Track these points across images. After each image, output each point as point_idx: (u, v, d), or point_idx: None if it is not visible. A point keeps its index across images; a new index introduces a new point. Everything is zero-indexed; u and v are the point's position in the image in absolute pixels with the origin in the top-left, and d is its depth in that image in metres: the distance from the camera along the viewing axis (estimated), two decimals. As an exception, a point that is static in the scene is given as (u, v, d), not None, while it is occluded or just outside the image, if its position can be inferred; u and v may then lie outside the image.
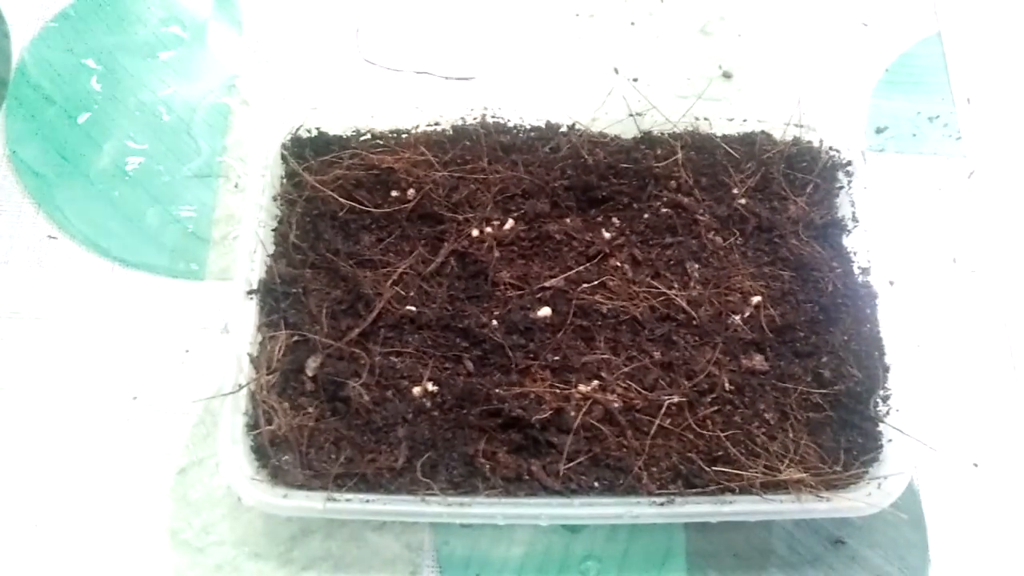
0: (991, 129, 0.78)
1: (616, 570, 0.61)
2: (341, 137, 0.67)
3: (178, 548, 0.61)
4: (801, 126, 0.68)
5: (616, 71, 0.77)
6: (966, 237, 0.73)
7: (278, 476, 0.55)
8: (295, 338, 0.59)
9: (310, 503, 0.54)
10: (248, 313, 0.59)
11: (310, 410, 0.57)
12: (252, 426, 0.56)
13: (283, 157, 0.65)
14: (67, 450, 0.63)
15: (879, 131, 0.77)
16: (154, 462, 0.63)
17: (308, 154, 0.65)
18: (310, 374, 0.58)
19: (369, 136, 0.67)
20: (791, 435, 0.58)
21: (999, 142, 0.77)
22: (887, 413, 0.58)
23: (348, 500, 0.54)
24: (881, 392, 0.59)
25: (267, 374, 0.57)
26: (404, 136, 0.67)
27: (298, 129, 0.66)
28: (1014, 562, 0.62)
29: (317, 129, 0.67)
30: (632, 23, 0.80)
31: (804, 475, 0.56)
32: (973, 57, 0.81)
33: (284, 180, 0.65)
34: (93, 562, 0.60)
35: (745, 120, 0.68)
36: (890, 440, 0.58)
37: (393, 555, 0.61)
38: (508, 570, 0.61)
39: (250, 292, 0.60)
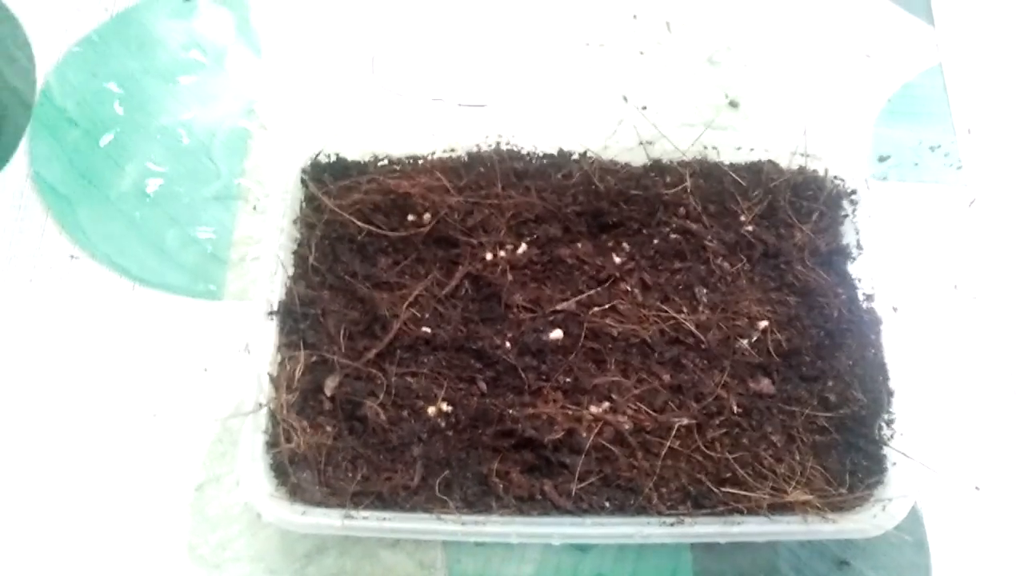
0: (992, 158, 0.79)
1: (625, 588, 0.62)
2: (359, 162, 0.69)
3: (196, 563, 0.62)
4: (807, 155, 0.69)
5: (625, 99, 0.79)
6: (967, 264, 0.74)
7: (296, 494, 0.57)
8: (314, 358, 0.61)
9: (328, 520, 0.55)
10: (268, 334, 0.61)
11: (328, 429, 0.59)
12: (272, 444, 0.57)
13: (303, 182, 0.67)
14: (87, 466, 0.64)
15: (882, 160, 0.79)
16: (173, 478, 0.64)
17: (327, 179, 0.67)
18: (328, 394, 0.60)
19: (386, 161, 0.69)
20: (797, 457, 0.59)
21: (999, 171, 0.79)
22: (891, 437, 0.60)
23: (365, 518, 0.55)
24: (885, 416, 0.60)
25: (287, 393, 0.58)
26: (420, 162, 0.69)
27: (318, 155, 0.68)
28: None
29: (336, 154, 0.68)
30: (641, 52, 0.82)
31: (810, 497, 0.57)
32: (974, 88, 0.83)
33: (304, 204, 0.67)
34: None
35: (752, 149, 0.70)
36: (894, 463, 0.59)
37: (406, 573, 0.62)
38: (519, 588, 0.62)
39: (270, 313, 0.61)
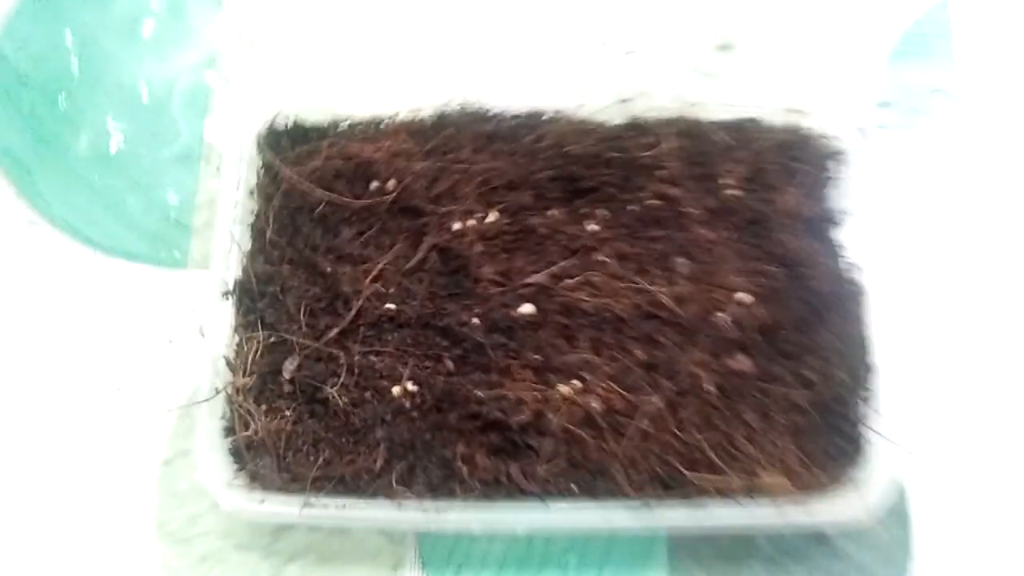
0: (995, 102, 0.74)
1: (597, 564, 0.62)
2: (319, 126, 0.65)
3: (164, 539, 0.62)
4: (797, 111, 0.65)
5: (604, 45, 0.74)
6: (964, 217, 0.70)
7: (256, 480, 0.56)
8: (272, 339, 0.58)
9: (287, 509, 0.54)
10: (224, 314, 0.59)
11: (287, 413, 0.57)
12: (229, 430, 0.56)
13: (259, 148, 0.63)
14: (49, 442, 0.64)
15: (882, 107, 0.74)
16: (139, 454, 0.63)
17: (284, 144, 0.64)
18: (287, 376, 0.58)
19: (348, 124, 0.65)
20: (772, 438, 0.57)
21: (1003, 115, 0.74)
22: (871, 416, 0.57)
23: (324, 505, 0.54)
24: (865, 395, 0.58)
25: (244, 377, 0.57)
26: (384, 124, 0.65)
27: (275, 118, 0.64)
28: (991, 555, 0.62)
29: (295, 117, 0.65)
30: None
31: (785, 480, 0.55)
32: (979, 29, 0.77)
33: (261, 172, 0.63)
34: (80, 553, 0.61)
35: (739, 105, 0.65)
36: (873, 444, 0.57)
37: (376, 548, 0.62)
38: (490, 563, 0.61)
39: (226, 293, 0.59)
